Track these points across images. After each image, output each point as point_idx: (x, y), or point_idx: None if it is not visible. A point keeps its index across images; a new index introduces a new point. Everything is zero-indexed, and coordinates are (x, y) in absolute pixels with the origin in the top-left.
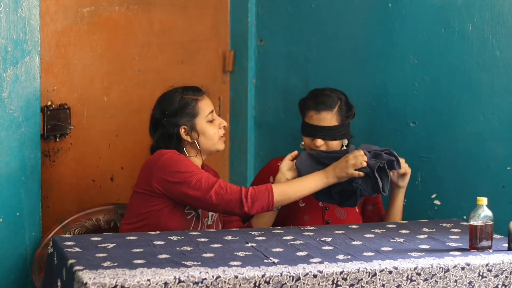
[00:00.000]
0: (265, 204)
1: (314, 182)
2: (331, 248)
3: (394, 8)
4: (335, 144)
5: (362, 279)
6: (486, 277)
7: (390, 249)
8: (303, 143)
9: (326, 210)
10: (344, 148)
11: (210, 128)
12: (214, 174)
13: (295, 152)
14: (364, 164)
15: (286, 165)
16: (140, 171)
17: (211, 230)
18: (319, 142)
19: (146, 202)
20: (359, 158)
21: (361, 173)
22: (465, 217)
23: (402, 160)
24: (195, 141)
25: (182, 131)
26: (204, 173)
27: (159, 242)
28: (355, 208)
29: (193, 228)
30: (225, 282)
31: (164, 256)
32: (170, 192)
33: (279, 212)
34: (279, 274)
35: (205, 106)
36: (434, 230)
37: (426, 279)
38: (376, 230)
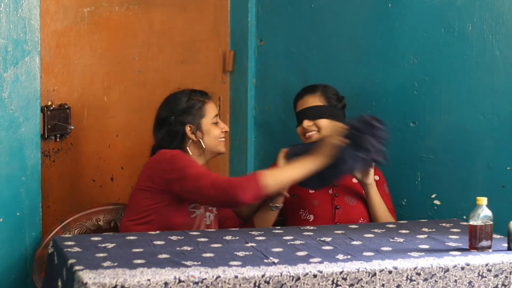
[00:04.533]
0: (257, 190)
1: (304, 165)
2: (331, 248)
3: (394, 8)
4: (324, 123)
5: (362, 279)
6: (485, 277)
7: (390, 249)
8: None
9: (336, 197)
10: None
11: (215, 129)
12: None
13: (284, 150)
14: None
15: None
16: (144, 169)
17: (211, 230)
18: (306, 123)
19: (151, 199)
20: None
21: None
22: (465, 217)
23: None
24: (200, 140)
25: (188, 129)
26: (202, 167)
27: (159, 242)
28: (364, 195)
29: (196, 227)
30: (225, 282)
31: (164, 256)
32: (171, 188)
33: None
34: (279, 274)
35: (211, 109)
36: (433, 230)
37: (426, 279)
38: (376, 230)
